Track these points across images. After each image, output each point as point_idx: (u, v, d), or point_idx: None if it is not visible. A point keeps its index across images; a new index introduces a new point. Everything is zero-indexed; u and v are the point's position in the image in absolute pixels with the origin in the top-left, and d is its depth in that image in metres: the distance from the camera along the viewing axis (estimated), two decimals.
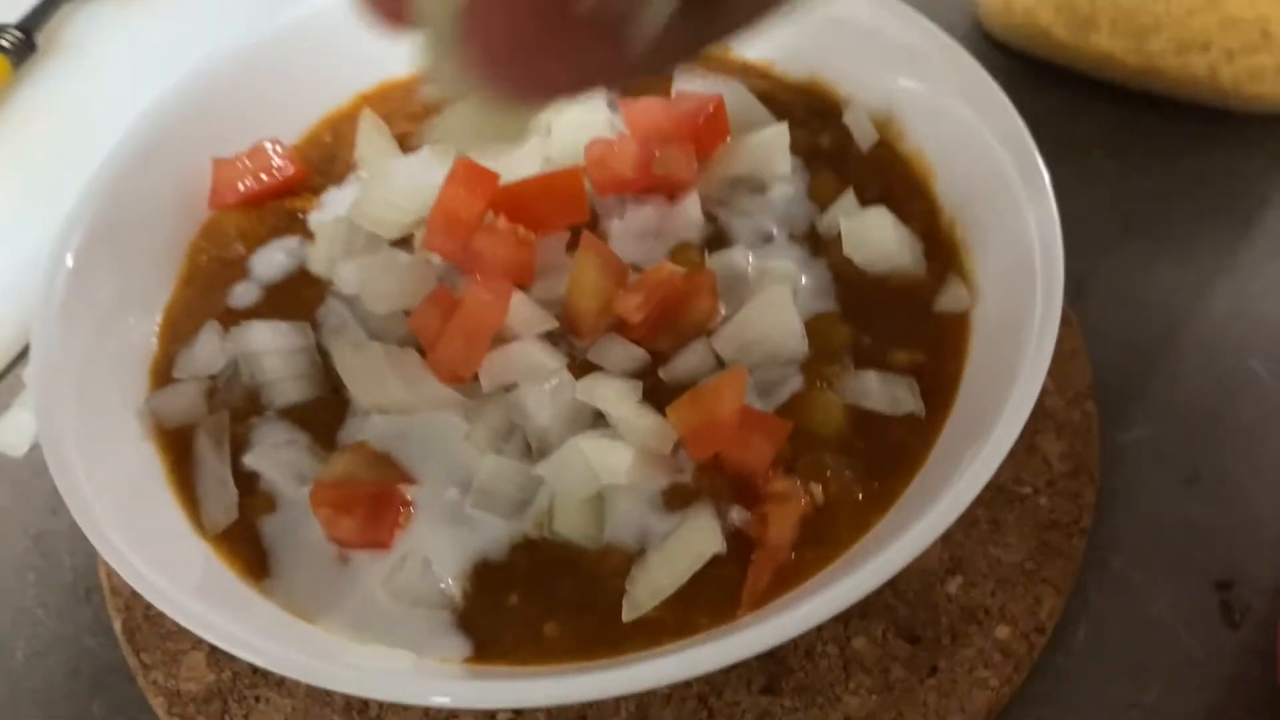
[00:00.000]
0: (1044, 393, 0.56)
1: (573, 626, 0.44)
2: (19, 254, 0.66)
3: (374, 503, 0.46)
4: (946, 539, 0.51)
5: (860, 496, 0.46)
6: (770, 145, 0.56)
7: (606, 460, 0.46)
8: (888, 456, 0.47)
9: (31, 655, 0.53)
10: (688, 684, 0.48)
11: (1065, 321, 0.58)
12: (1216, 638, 0.51)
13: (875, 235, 0.52)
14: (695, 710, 0.48)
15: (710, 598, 0.44)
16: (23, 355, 0.65)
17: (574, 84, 0.29)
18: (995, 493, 0.53)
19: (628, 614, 0.44)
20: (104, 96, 0.75)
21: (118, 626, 0.52)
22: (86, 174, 0.56)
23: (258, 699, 0.49)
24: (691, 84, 0.59)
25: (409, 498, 0.48)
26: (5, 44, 0.74)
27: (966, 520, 0.52)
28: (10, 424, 0.61)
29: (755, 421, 0.46)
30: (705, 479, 0.47)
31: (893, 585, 0.51)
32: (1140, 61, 0.68)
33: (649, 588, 0.44)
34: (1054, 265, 0.47)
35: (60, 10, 0.79)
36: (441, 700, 0.38)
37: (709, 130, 0.56)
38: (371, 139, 0.59)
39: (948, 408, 0.48)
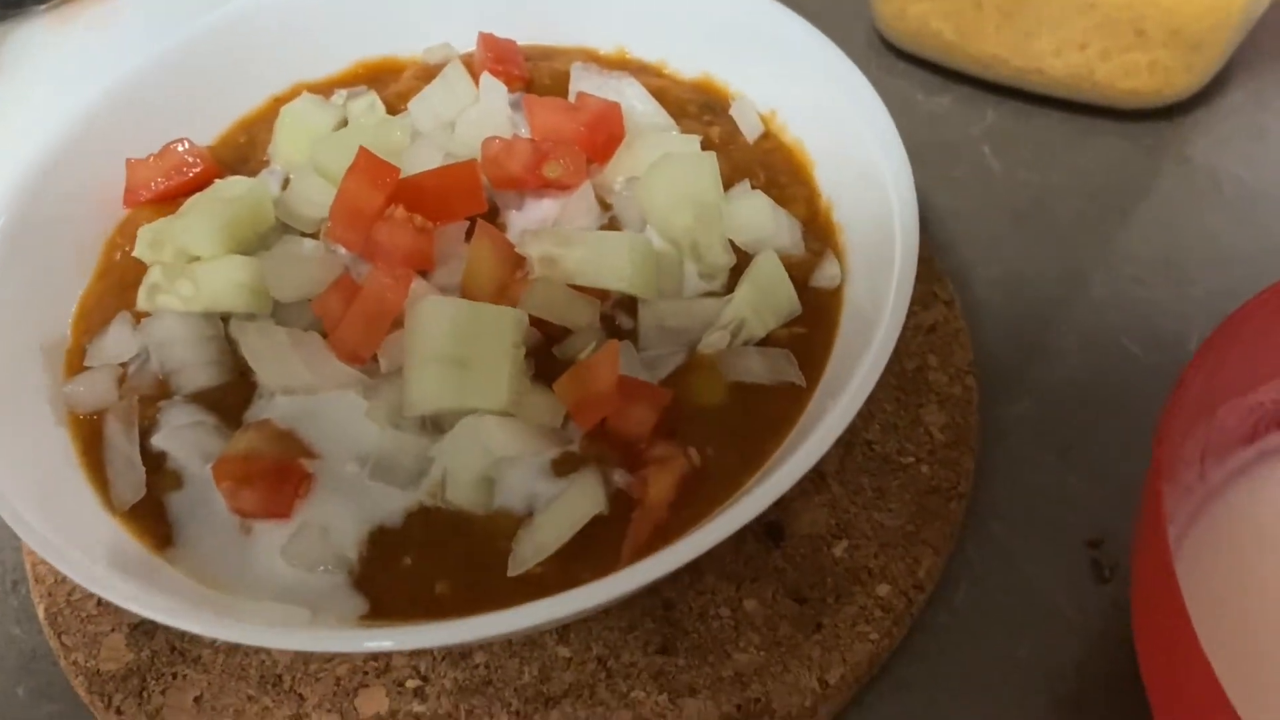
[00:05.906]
0: (928, 369, 0.58)
1: (462, 584, 0.46)
2: None
3: (274, 476, 0.47)
4: (833, 506, 0.54)
5: (737, 458, 0.48)
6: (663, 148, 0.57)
7: (497, 437, 0.47)
8: (763, 420, 0.49)
9: None
10: (588, 647, 0.49)
11: (949, 303, 0.61)
12: (1087, 594, 0.53)
13: (754, 219, 0.54)
14: (595, 671, 0.49)
15: (593, 554, 0.46)
16: None
17: None
18: (880, 463, 0.54)
19: (512, 570, 0.45)
20: (37, 110, 0.76)
21: (40, 611, 0.53)
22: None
23: (175, 675, 0.50)
24: (590, 82, 0.60)
25: (310, 471, 0.49)
26: None
27: (852, 488, 0.54)
28: None
29: (636, 391, 0.47)
30: (592, 447, 0.48)
31: (783, 550, 0.52)
32: (1024, 62, 0.71)
33: (533, 546, 0.45)
34: (910, 246, 0.48)
35: None
36: (334, 646, 0.40)
37: (606, 137, 0.57)
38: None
39: (819, 373, 0.50)
